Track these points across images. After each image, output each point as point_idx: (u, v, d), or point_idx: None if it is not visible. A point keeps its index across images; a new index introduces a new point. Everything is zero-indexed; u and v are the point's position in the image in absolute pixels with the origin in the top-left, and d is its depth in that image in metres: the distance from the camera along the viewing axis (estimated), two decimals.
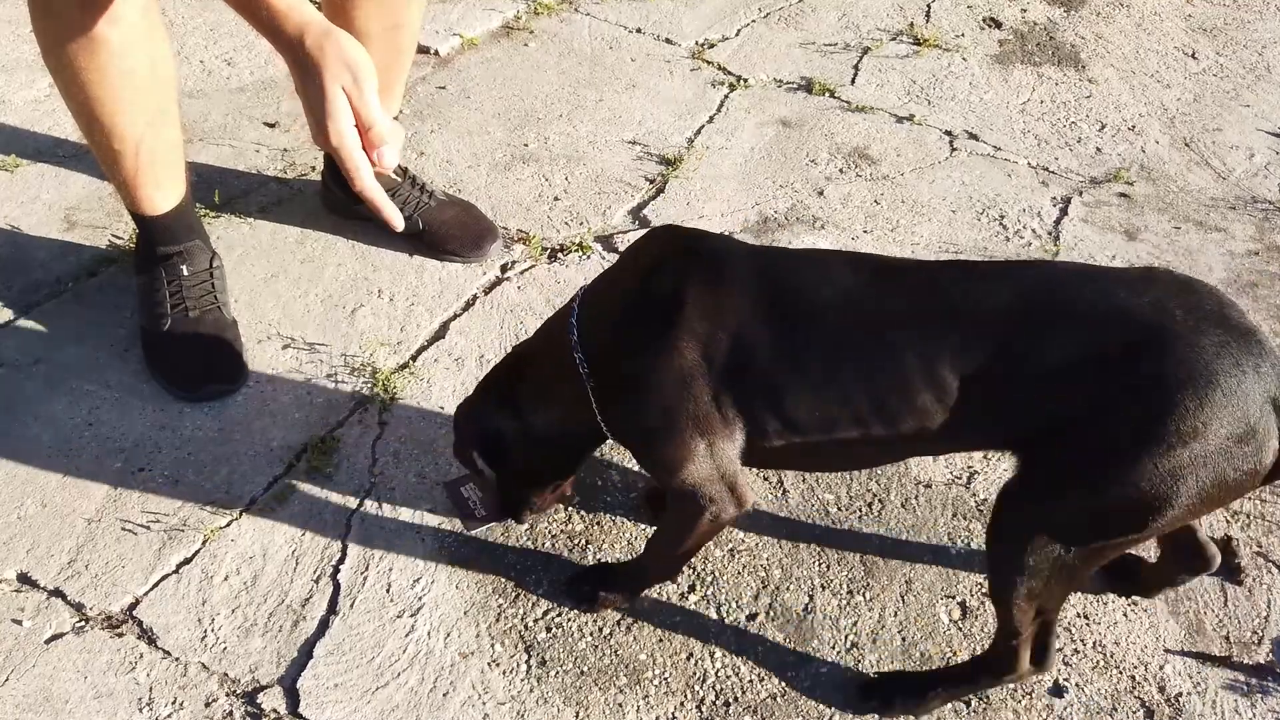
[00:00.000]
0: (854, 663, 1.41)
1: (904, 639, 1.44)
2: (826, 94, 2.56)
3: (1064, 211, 2.24)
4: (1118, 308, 1.11)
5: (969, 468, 1.67)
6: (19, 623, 1.40)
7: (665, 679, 1.38)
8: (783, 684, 1.38)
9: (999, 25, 2.89)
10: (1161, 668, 1.42)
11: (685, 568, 1.49)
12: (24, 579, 1.46)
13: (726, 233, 2.13)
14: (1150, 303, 1.10)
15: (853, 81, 2.62)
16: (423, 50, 2.58)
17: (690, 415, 1.22)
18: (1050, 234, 2.17)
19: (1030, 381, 1.13)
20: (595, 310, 1.31)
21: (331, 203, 2.08)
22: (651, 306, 1.24)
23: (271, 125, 2.34)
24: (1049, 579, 1.18)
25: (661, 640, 1.42)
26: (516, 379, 1.39)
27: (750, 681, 1.38)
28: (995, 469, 1.67)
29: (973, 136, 2.45)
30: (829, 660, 1.41)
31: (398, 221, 1.33)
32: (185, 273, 1.78)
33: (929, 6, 2.96)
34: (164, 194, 1.75)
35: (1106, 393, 1.09)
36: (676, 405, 1.22)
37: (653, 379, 1.23)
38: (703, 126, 2.43)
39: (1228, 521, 1.60)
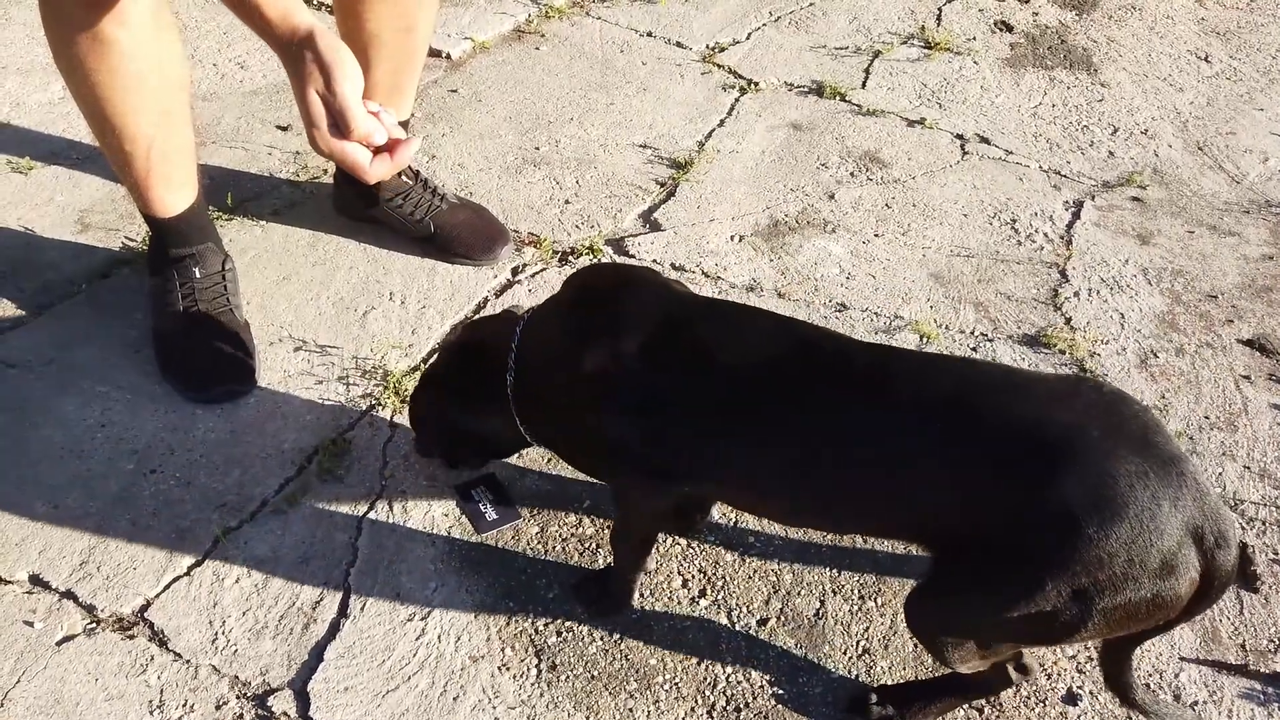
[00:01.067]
0: (865, 669, 1.40)
1: (916, 645, 1.43)
2: (837, 97, 2.55)
3: (1076, 215, 2.23)
4: (1036, 422, 1.07)
5: None
6: (31, 624, 1.41)
7: (676, 684, 1.38)
8: (794, 690, 1.38)
9: (1010, 29, 2.89)
10: (1177, 676, 1.41)
11: (696, 573, 1.48)
12: (36, 580, 1.46)
13: (737, 236, 2.13)
14: (1070, 421, 1.06)
15: (863, 85, 2.61)
16: (434, 53, 2.58)
17: (595, 438, 1.29)
18: (1062, 238, 2.16)
19: (943, 485, 1.11)
20: (529, 333, 1.37)
21: (343, 206, 2.09)
22: (573, 335, 1.30)
23: (284, 128, 2.35)
24: (974, 652, 1.21)
25: (672, 645, 1.42)
26: (461, 376, 1.45)
27: (761, 687, 1.38)
28: None
29: (984, 140, 2.44)
30: (840, 666, 1.41)
31: (409, 151, 1.32)
32: (197, 275, 1.79)
33: (940, 10, 2.95)
34: (176, 196, 1.75)
35: (1016, 509, 1.06)
36: (580, 428, 1.31)
37: (562, 399, 1.30)
38: (713, 130, 2.43)
39: (1243, 529, 1.59)
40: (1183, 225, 2.22)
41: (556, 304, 1.39)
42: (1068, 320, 1.96)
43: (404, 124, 2.00)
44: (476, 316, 1.62)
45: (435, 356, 1.52)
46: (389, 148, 1.27)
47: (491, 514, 1.54)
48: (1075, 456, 1.04)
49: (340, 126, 1.25)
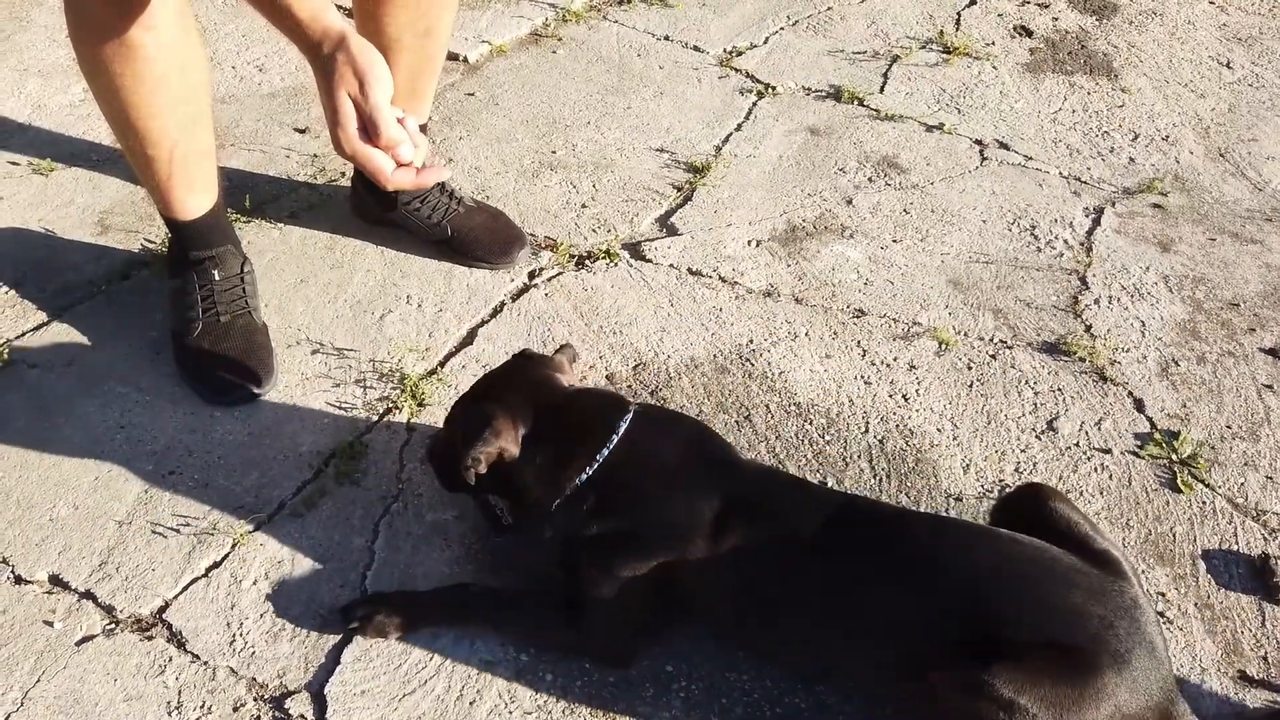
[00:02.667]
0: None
1: None
2: (855, 102, 2.55)
3: (1096, 222, 2.21)
4: (1071, 610, 1.20)
5: (1000, 481, 1.65)
6: (50, 624, 1.41)
7: (693, 691, 1.37)
8: (811, 699, 1.37)
9: (1030, 34, 2.87)
10: (1198, 688, 1.39)
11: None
12: (56, 580, 1.47)
13: (754, 241, 2.12)
14: (1100, 616, 1.20)
15: (881, 90, 2.61)
16: (452, 57, 2.59)
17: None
18: (1082, 245, 2.15)
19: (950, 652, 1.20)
20: (632, 447, 1.39)
21: (361, 209, 2.09)
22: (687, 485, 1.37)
23: (302, 131, 2.36)
24: None
25: (690, 652, 1.41)
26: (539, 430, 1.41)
27: (778, 695, 1.37)
28: (1027, 482, 1.65)
29: (1003, 146, 2.43)
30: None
31: (440, 171, 1.36)
32: (217, 277, 1.79)
33: (959, 15, 2.94)
34: (196, 199, 1.76)
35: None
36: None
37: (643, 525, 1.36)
38: (730, 134, 2.43)
39: (1265, 539, 1.58)
40: (1204, 232, 2.20)
41: (667, 432, 1.42)
42: (1088, 328, 1.95)
43: (421, 128, 2.00)
44: (580, 387, 1.55)
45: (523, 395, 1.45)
46: (417, 170, 1.29)
47: (508, 518, 1.54)
48: (1101, 652, 1.18)
49: (369, 131, 1.26)
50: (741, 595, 1.33)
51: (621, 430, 1.38)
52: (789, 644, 1.36)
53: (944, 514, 1.59)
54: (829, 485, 1.63)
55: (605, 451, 1.37)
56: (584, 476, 1.36)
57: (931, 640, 1.22)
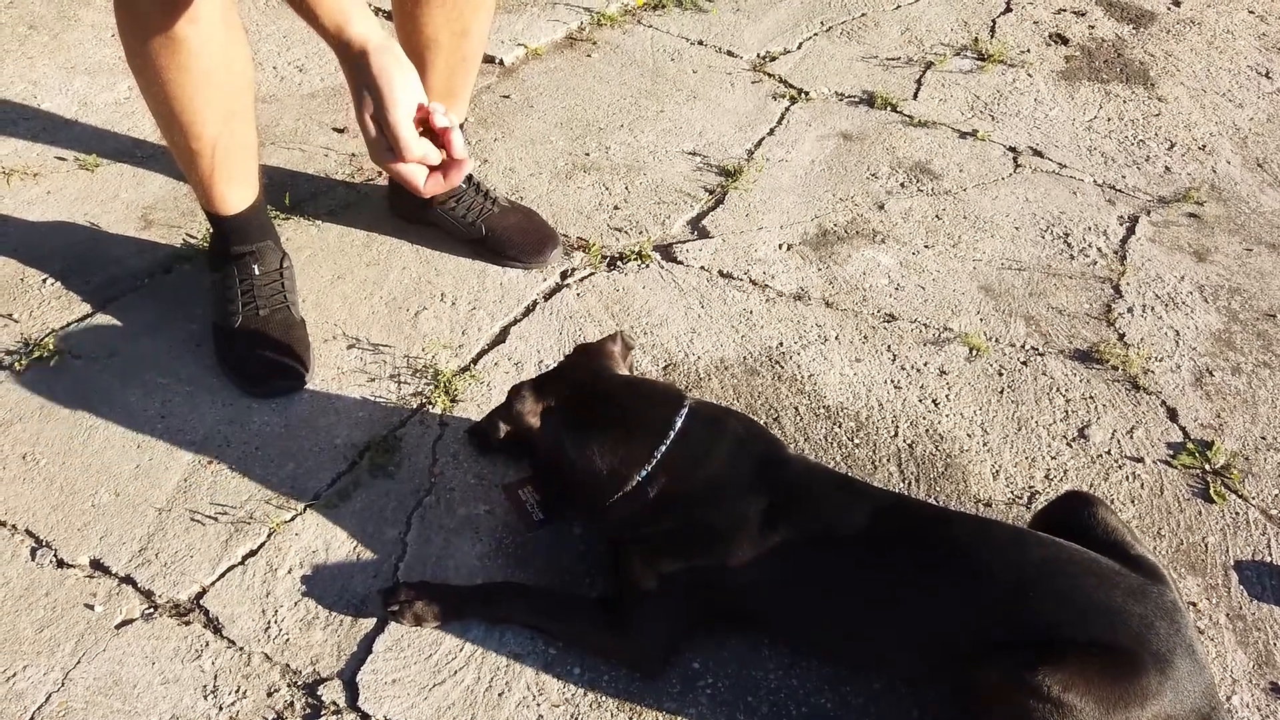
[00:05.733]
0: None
1: None
2: (888, 108, 2.55)
3: (1131, 231, 2.20)
4: (1111, 609, 1.21)
5: (1029, 487, 1.65)
6: (91, 607, 1.45)
7: (719, 688, 1.38)
8: (836, 698, 1.37)
9: (1065, 41, 2.86)
10: (1229, 699, 1.38)
11: None
12: (97, 565, 1.50)
13: (786, 245, 2.13)
14: (1140, 615, 1.20)
15: (915, 96, 2.60)
16: (488, 60, 2.62)
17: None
18: (1116, 253, 2.14)
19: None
20: (686, 446, 1.38)
21: (398, 207, 2.12)
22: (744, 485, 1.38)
23: (340, 130, 2.39)
24: None
25: (716, 649, 1.42)
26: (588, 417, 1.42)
27: (804, 694, 1.38)
28: (1057, 489, 1.64)
29: (1037, 153, 2.42)
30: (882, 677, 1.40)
31: (462, 165, 1.33)
32: (257, 272, 1.83)
33: (994, 22, 2.93)
34: (238, 194, 1.80)
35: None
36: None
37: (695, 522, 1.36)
38: (763, 138, 2.44)
39: None
40: (1240, 243, 2.18)
41: (720, 426, 1.41)
42: (1121, 336, 1.94)
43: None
44: (637, 377, 1.58)
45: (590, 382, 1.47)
46: (443, 168, 1.29)
47: (538, 514, 1.55)
48: (1142, 651, 1.19)
49: (393, 150, 1.27)
50: (787, 594, 1.33)
51: (678, 426, 1.38)
52: (832, 641, 1.36)
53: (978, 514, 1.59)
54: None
55: (663, 449, 1.37)
56: (642, 474, 1.36)
57: (975, 638, 1.22)
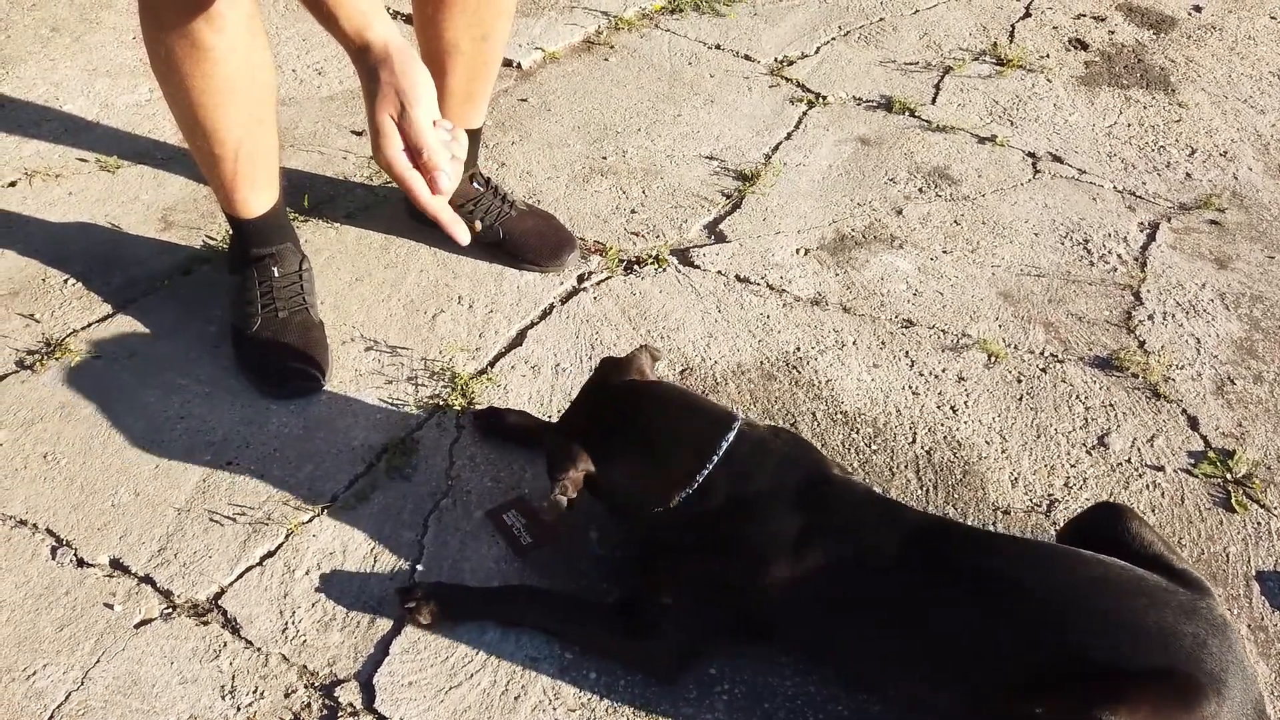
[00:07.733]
0: None
1: None
2: (906, 113, 2.54)
3: (1151, 237, 2.18)
4: (1163, 630, 1.18)
5: (1049, 495, 1.64)
6: (110, 606, 1.45)
7: (735, 694, 1.38)
8: (854, 705, 1.37)
9: (1085, 46, 2.85)
10: None
11: None
12: (116, 564, 1.51)
13: (803, 249, 2.12)
14: (1193, 634, 1.18)
15: (933, 101, 2.60)
16: (506, 63, 2.61)
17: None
18: (1137, 260, 2.12)
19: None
20: (734, 467, 1.37)
21: (415, 210, 2.12)
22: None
23: (359, 134, 2.40)
24: None
25: (733, 655, 1.41)
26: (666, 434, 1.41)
27: (821, 701, 1.37)
28: (1076, 497, 1.63)
29: (1057, 159, 2.41)
30: None
31: (463, 237, 1.37)
32: (276, 274, 1.83)
33: (1013, 27, 2.92)
34: (259, 197, 1.81)
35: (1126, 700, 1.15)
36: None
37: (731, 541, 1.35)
38: (780, 143, 2.43)
39: None
40: (1262, 250, 2.17)
41: (766, 447, 1.40)
42: (1141, 343, 1.93)
43: (476, 132, 2.04)
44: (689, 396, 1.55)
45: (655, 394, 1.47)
46: (431, 180, 1.30)
47: (526, 537, 1.54)
48: (1197, 674, 1.16)
49: (412, 151, 1.27)
50: (819, 615, 1.32)
51: (722, 450, 1.37)
52: (864, 666, 1.35)
53: (1020, 535, 1.58)
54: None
55: (706, 471, 1.36)
56: (684, 495, 1.36)
57: (1023, 667, 1.19)
